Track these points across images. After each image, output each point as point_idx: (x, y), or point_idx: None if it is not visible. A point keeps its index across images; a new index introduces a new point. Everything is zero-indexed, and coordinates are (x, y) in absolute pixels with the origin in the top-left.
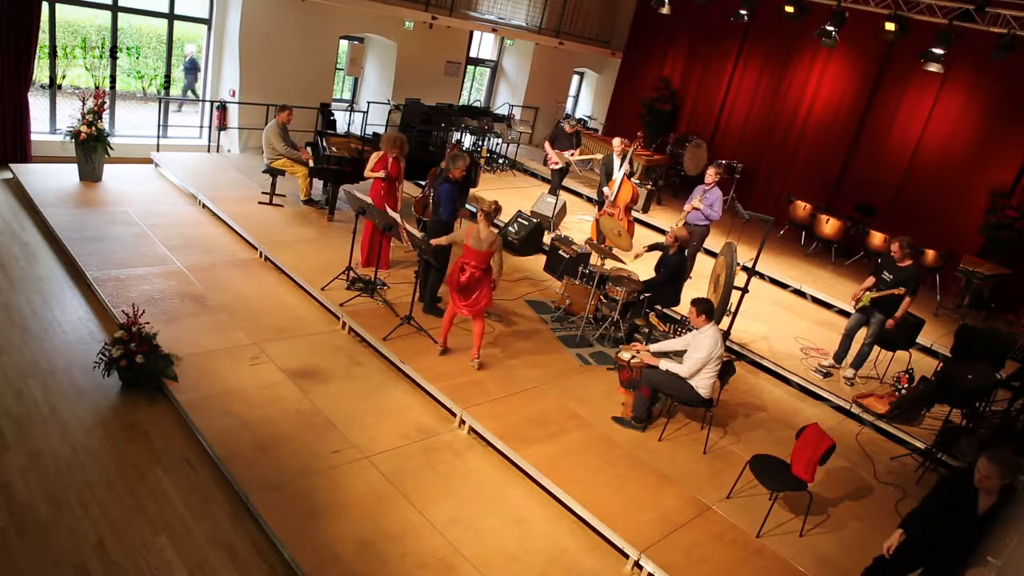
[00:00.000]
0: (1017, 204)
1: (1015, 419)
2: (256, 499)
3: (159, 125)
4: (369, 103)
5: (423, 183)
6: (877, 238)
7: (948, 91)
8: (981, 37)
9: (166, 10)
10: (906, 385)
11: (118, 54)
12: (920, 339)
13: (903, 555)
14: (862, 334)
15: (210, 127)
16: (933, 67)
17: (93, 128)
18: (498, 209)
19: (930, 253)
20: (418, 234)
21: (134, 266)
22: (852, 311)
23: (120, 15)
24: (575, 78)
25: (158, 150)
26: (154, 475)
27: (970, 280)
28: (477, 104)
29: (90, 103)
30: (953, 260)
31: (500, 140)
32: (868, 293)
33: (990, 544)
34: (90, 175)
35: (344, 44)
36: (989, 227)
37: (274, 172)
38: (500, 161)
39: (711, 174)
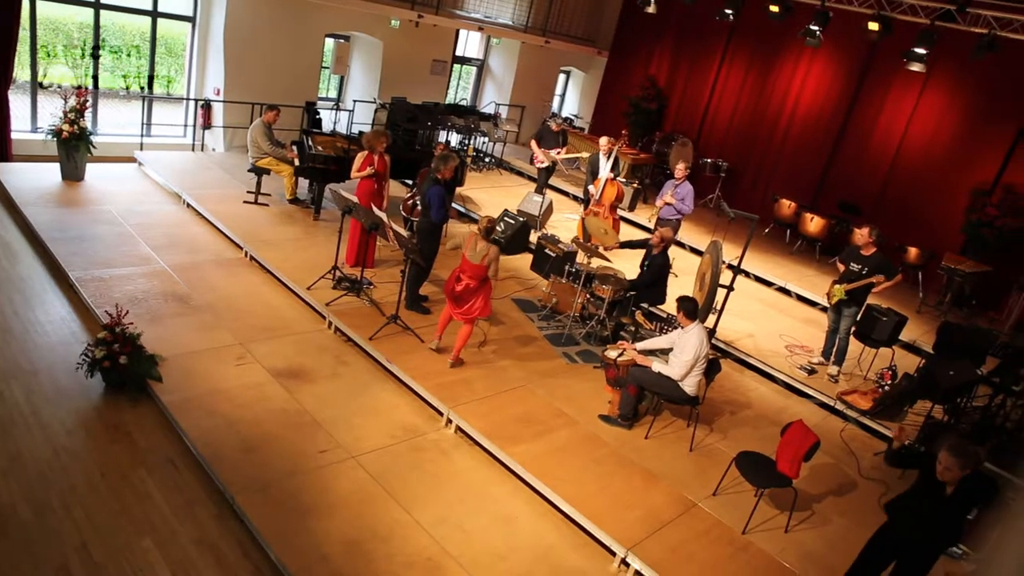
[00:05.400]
0: (997, 202)
1: (996, 415)
2: (242, 500)
3: (143, 124)
4: (355, 102)
5: (410, 182)
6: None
7: (930, 91)
8: (962, 37)
9: (149, 7)
10: (889, 382)
11: (100, 52)
12: (903, 336)
13: (882, 546)
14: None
15: (194, 126)
16: (915, 67)
17: (75, 127)
18: (492, 228)
19: (912, 251)
20: (404, 233)
21: (117, 266)
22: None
23: (103, 12)
24: (561, 77)
25: (142, 149)
26: (138, 477)
27: (952, 278)
28: (463, 103)
29: (72, 101)
30: (935, 258)
31: (486, 139)
32: (839, 286)
33: (958, 531)
34: (72, 174)
35: (330, 42)
36: (970, 225)
37: (259, 171)
38: (486, 160)
39: (681, 169)
